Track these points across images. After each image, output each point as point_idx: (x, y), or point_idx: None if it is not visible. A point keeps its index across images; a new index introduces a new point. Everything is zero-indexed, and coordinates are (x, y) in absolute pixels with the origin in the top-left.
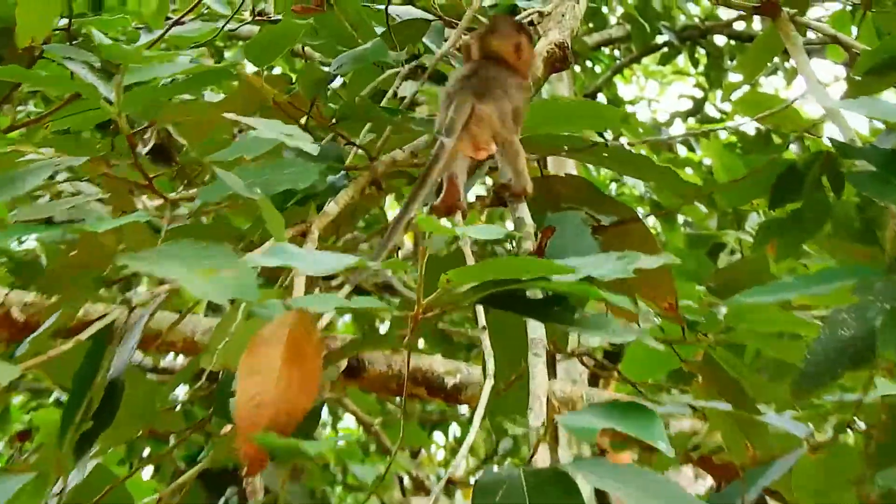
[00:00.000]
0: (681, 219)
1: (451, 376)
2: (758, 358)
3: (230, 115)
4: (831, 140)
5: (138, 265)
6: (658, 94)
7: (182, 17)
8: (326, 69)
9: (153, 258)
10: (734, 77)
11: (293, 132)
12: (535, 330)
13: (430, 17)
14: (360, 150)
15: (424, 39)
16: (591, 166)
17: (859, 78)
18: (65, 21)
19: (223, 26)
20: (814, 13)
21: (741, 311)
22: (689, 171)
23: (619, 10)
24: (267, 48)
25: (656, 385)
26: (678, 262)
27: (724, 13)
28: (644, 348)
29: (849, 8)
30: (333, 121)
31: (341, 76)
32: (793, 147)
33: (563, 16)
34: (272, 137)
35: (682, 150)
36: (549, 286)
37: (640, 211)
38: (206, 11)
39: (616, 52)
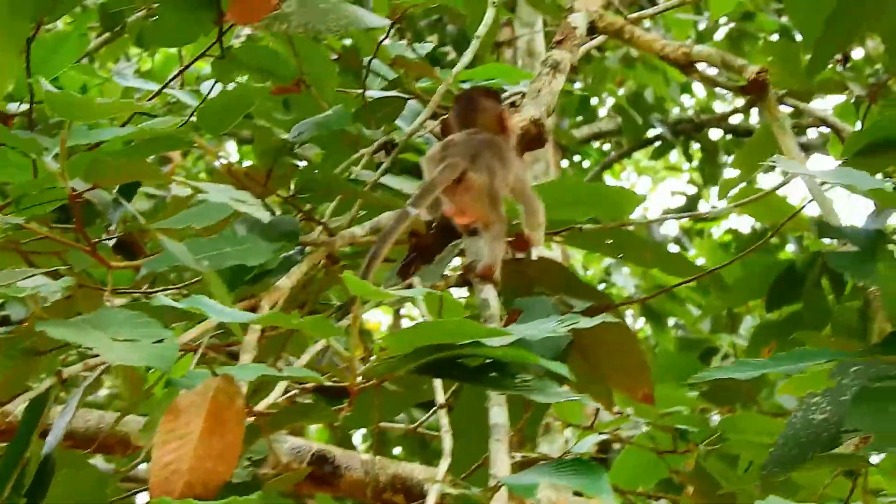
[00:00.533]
0: (672, 321)
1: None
2: (752, 468)
3: (177, 179)
4: (812, 218)
5: (58, 332)
6: (650, 191)
7: (148, 100)
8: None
9: (76, 325)
10: (730, 173)
11: (244, 198)
12: (497, 416)
13: (406, 96)
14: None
15: (398, 121)
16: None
17: (845, 160)
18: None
19: (190, 115)
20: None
21: (735, 420)
22: None
23: (610, 102)
24: (222, 114)
25: (646, 495)
26: (618, 321)
27: (720, 106)
28: (634, 456)
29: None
30: (292, 193)
31: (301, 143)
32: (790, 247)
33: (538, 91)
34: (222, 202)
35: (673, 250)
36: (482, 351)
37: (630, 313)
38: (173, 102)
39: (606, 146)
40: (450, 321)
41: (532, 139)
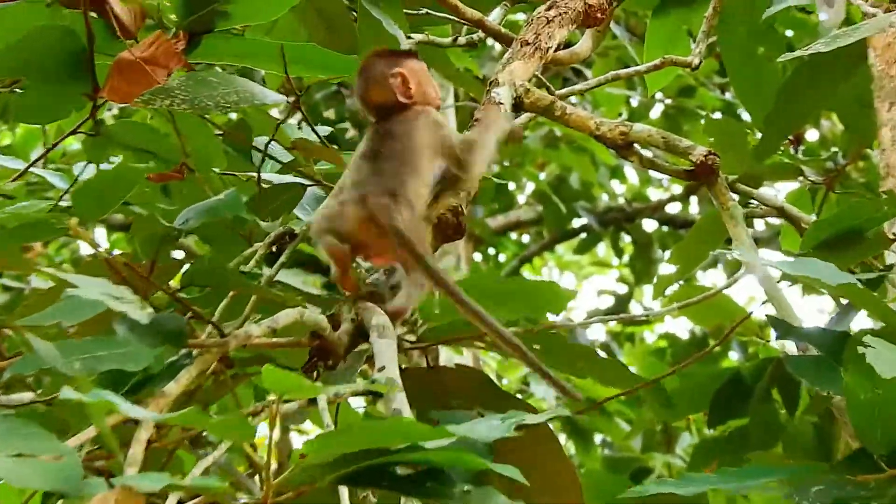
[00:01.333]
0: (598, 438)
1: None
2: None
3: (46, 270)
4: (767, 316)
5: None
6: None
7: (11, 180)
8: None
9: None
10: (666, 269)
11: (122, 294)
12: None
13: (306, 181)
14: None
15: (296, 210)
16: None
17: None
18: None
19: (61, 197)
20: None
21: None
22: None
23: (530, 188)
24: (99, 198)
25: None
26: (568, 413)
27: (655, 193)
28: None
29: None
30: (179, 288)
31: (188, 232)
32: (733, 354)
33: None
34: (95, 299)
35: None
36: (420, 457)
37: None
38: (35, 182)
39: (525, 238)
40: (384, 421)
41: (450, 229)
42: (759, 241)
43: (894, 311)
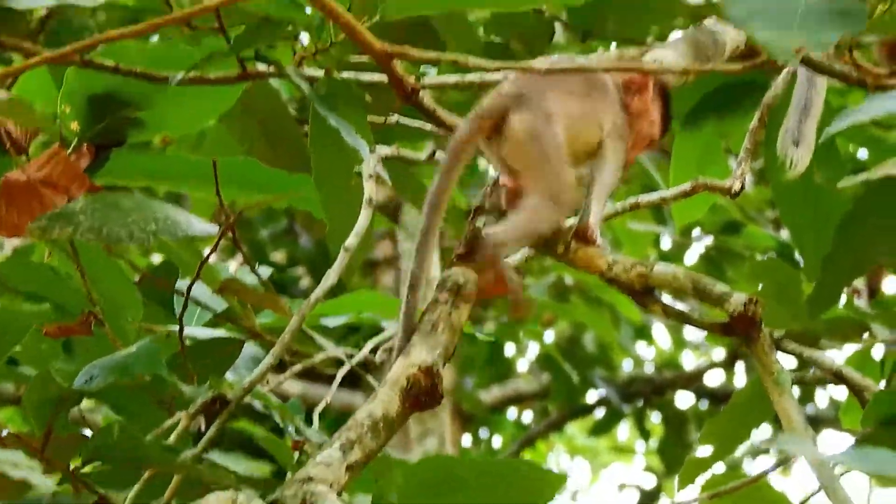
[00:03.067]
0: None
1: None
2: None
3: None
4: None
5: None
6: (589, 483)
7: None
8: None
9: None
10: (702, 453)
11: (15, 459)
12: None
13: (241, 336)
14: None
15: (231, 372)
16: None
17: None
18: None
19: None
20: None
21: None
22: None
23: (533, 351)
24: None
25: None
26: None
27: (690, 358)
28: None
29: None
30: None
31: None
32: None
33: (432, 326)
34: None
35: None
36: None
37: None
38: None
39: (526, 415)
40: None
41: (422, 394)
42: (819, 422)
43: None
